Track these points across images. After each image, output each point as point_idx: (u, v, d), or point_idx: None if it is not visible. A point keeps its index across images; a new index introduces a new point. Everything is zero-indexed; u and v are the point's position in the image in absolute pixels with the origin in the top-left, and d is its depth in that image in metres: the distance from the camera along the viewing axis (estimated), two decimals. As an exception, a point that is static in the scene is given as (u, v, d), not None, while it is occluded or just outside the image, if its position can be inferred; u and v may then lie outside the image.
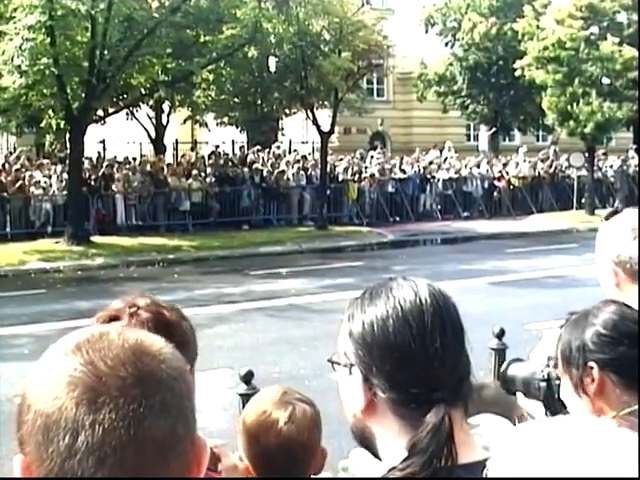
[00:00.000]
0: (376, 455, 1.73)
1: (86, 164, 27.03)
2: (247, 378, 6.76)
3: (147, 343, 1.20)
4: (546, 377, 2.50)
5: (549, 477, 1.07)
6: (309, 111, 29.47)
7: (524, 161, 35.58)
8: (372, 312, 1.68)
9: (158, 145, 33.52)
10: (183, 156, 32.76)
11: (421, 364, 1.63)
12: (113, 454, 1.10)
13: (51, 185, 25.78)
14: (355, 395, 1.69)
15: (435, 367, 1.62)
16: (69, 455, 1.10)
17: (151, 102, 31.62)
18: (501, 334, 8.03)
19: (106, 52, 23.46)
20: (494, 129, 41.44)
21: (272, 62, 29.42)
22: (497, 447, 1.16)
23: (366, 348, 1.67)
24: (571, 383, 2.37)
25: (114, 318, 2.26)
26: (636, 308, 2.43)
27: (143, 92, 28.27)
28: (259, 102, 33.88)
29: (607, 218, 3.01)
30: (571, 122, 33.17)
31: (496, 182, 34.35)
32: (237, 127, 36.93)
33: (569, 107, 32.95)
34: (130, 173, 27.37)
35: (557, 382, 2.43)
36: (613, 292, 2.87)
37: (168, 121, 34.65)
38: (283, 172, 29.75)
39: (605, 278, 2.93)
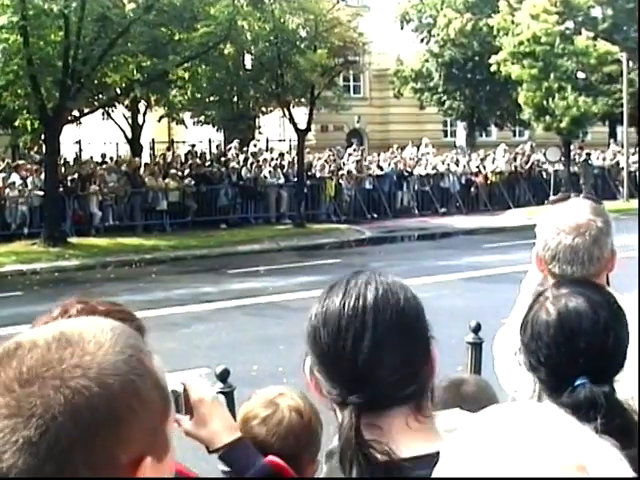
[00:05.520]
0: None
1: (62, 165, 26.88)
2: (223, 376, 6.70)
3: (48, 366, 1.14)
4: None
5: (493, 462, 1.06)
6: (285, 109, 29.44)
7: (502, 157, 35.67)
8: (312, 310, 1.76)
9: (134, 145, 33.36)
10: (161, 156, 32.63)
11: (334, 366, 1.68)
12: None
13: (27, 186, 25.59)
14: None
15: (346, 369, 1.66)
16: None
17: (127, 102, 31.47)
18: (477, 328, 8.01)
19: (80, 51, 23.30)
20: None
21: (248, 59, 29.36)
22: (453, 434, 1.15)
23: (306, 345, 1.77)
24: None
25: None
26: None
27: (118, 91, 28.14)
28: (235, 100, 33.80)
29: (553, 203, 3.01)
30: (547, 117, 33.29)
31: (473, 178, 34.42)
32: (214, 126, 36.84)
33: (545, 102, 33.09)
34: (106, 173, 27.22)
35: None
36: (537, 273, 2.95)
37: (144, 121, 34.52)
38: (260, 170, 29.69)
39: (535, 262, 2.95)
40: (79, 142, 33.24)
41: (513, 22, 34.72)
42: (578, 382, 2.10)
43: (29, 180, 25.69)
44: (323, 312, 1.72)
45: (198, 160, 30.47)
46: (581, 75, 33.31)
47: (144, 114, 34.09)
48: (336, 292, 1.73)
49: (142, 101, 32.22)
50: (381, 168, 32.67)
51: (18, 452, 1.09)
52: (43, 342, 1.17)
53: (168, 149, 33.95)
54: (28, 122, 25.79)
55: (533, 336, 2.25)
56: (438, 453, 1.56)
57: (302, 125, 29.42)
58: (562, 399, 2.08)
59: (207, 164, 30.43)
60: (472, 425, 1.11)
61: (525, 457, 1.03)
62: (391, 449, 1.61)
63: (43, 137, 25.63)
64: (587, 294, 2.27)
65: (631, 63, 35.02)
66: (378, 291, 1.70)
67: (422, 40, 43.35)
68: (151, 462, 1.18)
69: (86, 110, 27.83)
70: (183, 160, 30.59)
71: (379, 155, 34.46)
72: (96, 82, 26.20)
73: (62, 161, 27.42)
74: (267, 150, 34.61)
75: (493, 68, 34.96)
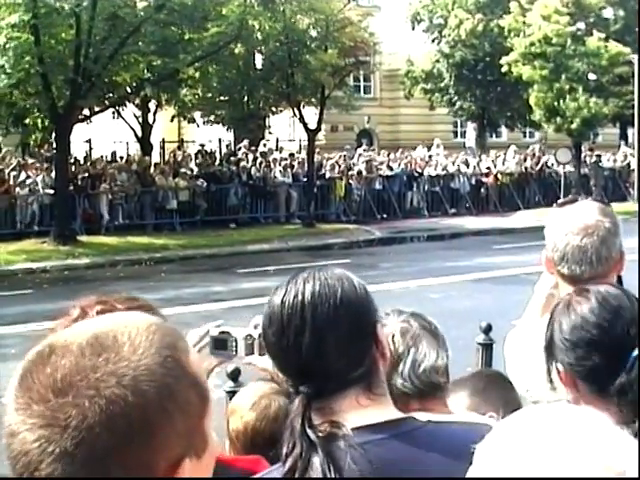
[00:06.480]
0: None
1: (72, 163, 26.92)
2: (234, 375, 6.70)
3: (82, 374, 1.12)
4: None
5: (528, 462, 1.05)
6: (296, 109, 29.42)
7: (513, 158, 35.60)
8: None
9: (145, 144, 33.38)
10: (171, 155, 32.64)
11: (283, 360, 1.83)
12: None
13: (37, 185, 25.63)
14: None
15: (293, 363, 1.79)
16: None
17: (137, 101, 31.50)
18: (488, 329, 8.01)
19: (91, 50, 23.34)
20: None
21: (258, 59, 29.36)
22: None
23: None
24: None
25: None
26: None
27: (129, 90, 28.19)
28: (245, 100, 33.80)
29: (561, 205, 3.00)
30: (558, 118, 33.22)
31: (483, 178, 34.35)
32: (224, 125, 36.82)
33: (556, 103, 33.02)
34: (116, 172, 27.24)
35: None
36: (550, 276, 2.93)
37: (154, 120, 34.56)
38: (270, 170, 29.69)
39: (544, 264, 2.95)
40: (89, 141, 33.28)
41: (524, 23, 34.67)
42: (635, 353, 2.07)
43: (39, 178, 25.72)
44: (268, 313, 1.84)
45: (208, 159, 30.49)
46: (592, 76, 33.23)
47: (154, 113, 34.13)
48: (278, 293, 1.85)
49: (152, 100, 32.26)
50: (391, 168, 32.64)
51: (54, 462, 1.09)
52: (76, 348, 1.14)
53: (178, 148, 33.96)
54: (39, 120, 25.89)
55: (575, 327, 2.20)
56: (384, 422, 1.75)
57: (312, 125, 29.42)
58: (622, 379, 2.05)
59: (217, 163, 30.46)
60: (508, 425, 1.10)
61: (563, 460, 1.02)
62: (337, 423, 1.73)
63: (54, 135, 25.71)
64: (613, 287, 2.29)
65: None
66: (315, 287, 1.81)
67: (433, 40, 43.32)
68: (189, 461, 1.17)
69: (97, 109, 27.87)
70: (193, 159, 30.61)
71: (389, 155, 34.42)
72: (107, 81, 26.22)
73: (72, 160, 27.44)
74: (277, 150, 34.59)
75: (504, 69, 34.90)
